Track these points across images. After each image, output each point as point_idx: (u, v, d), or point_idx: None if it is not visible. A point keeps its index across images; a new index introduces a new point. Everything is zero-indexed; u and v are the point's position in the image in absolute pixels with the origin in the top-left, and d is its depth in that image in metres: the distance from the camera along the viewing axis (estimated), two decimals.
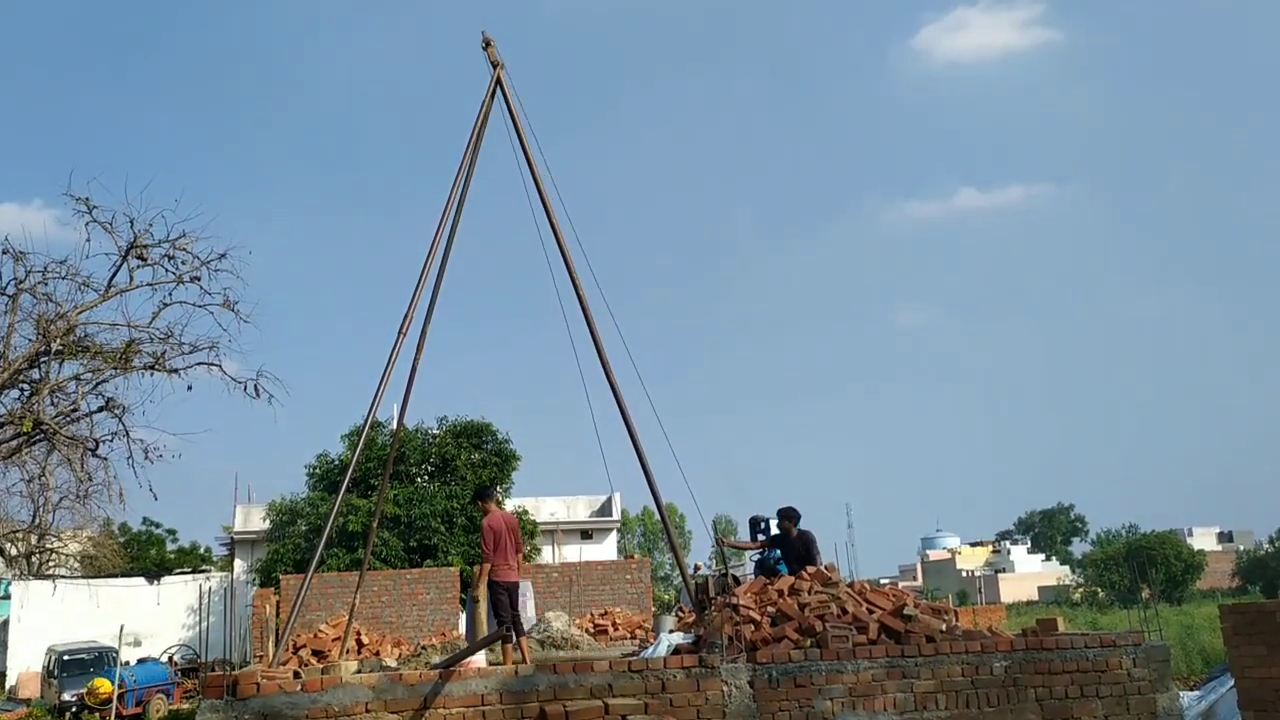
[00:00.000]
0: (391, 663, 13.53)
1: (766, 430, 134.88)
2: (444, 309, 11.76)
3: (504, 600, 10.42)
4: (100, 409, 18.73)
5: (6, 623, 32.34)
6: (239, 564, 33.56)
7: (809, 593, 8.88)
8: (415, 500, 26.56)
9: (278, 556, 26.59)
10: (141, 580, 33.17)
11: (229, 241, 19.74)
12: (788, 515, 11.53)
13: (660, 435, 10.43)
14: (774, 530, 12.48)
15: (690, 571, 12.64)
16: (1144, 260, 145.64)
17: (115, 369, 18.21)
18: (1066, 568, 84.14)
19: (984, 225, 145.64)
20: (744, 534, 14.90)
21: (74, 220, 18.14)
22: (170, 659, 27.59)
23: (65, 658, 24.16)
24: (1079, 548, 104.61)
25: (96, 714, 20.85)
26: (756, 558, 12.61)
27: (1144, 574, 42.28)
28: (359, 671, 10.54)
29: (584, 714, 6.92)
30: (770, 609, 8.72)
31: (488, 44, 11.78)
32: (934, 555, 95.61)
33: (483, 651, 9.18)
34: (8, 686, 29.70)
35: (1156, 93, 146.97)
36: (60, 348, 17.63)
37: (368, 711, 6.71)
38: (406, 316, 10.90)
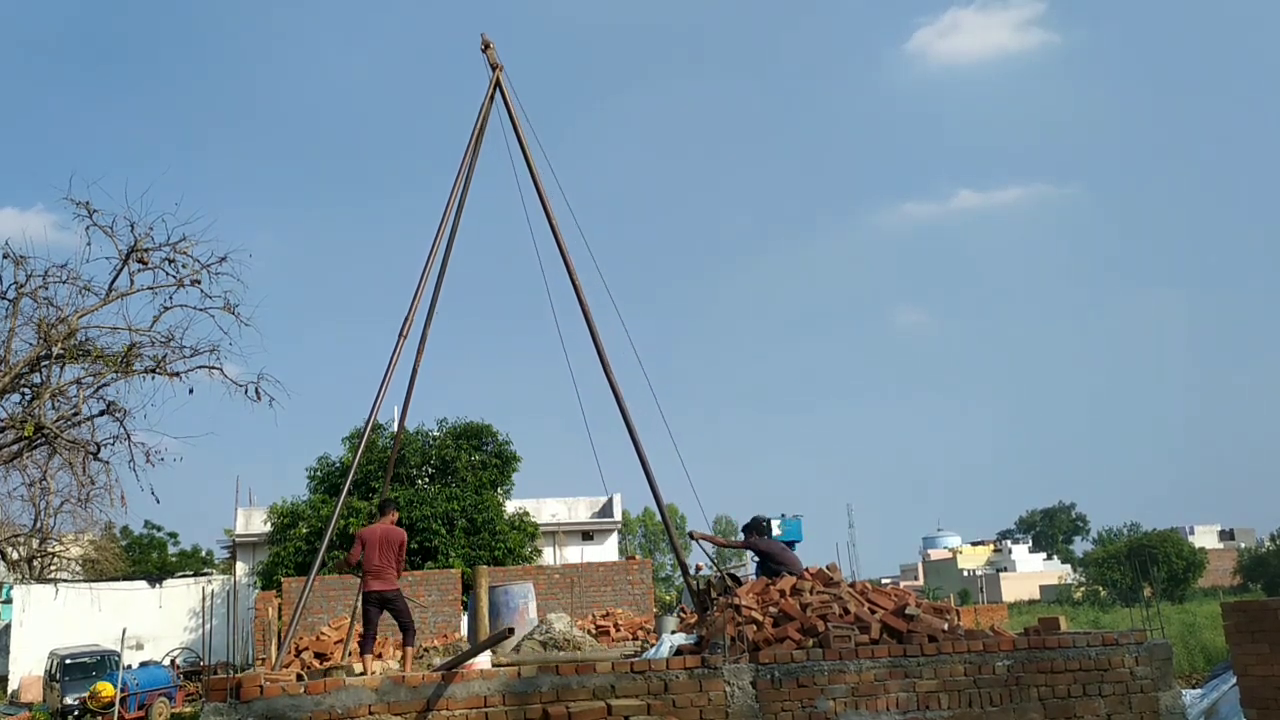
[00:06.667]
0: (394, 665, 13.51)
1: (767, 431, 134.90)
2: (444, 311, 11.78)
3: (370, 611, 10.48)
4: (101, 413, 18.75)
5: (8, 627, 32.33)
6: (240, 567, 33.54)
7: (811, 593, 8.89)
8: (416, 502, 26.57)
9: (279, 559, 26.58)
10: (143, 584, 33.14)
11: (229, 244, 19.78)
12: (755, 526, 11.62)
13: (662, 436, 10.46)
14: (775, 531, 12.51)
15: (692, 572, 12.67)
16: (1142, 258, 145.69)
17: (116, 373, 18.22)
18: (1068, 566, 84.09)
19: (982, 226, 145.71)
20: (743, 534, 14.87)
21: (74, 224, 18.21)
22: (173, 662, 27.59)
23: (67, 661, 24.12)
24: (1080, 546, 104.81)
25: (99, 718, 20.82)
26: (758, 559, 12.63)
27: (1145, 572, 42.31)
28: (361, 674, 10.54)
29: (587, 715, 6.92)
30: (772, 609, 8.73)
31: (487, 46, 11.83)
32: (935, 555, 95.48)
33: (487, 653, 9.19)
34: (10, 690, 29.67)
35: (1154, 92, 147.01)
36: (61, 352, 17.64)
37: (371, 714, 6.70)
38: (407, 319, 10.94)
